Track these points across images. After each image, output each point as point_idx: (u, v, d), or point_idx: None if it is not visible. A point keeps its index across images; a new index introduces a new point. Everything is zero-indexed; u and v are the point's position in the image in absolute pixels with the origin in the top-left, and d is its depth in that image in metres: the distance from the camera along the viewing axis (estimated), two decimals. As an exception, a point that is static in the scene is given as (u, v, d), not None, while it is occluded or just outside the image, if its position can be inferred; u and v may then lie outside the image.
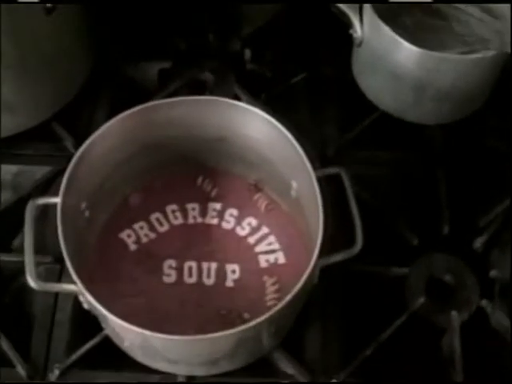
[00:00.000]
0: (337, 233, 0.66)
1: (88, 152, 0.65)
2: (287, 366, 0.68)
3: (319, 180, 0.65)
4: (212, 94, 0.82)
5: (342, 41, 0.80)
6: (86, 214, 0.69)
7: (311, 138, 0.79)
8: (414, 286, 0.73)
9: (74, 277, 0.60)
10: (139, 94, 0.83)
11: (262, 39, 0.87)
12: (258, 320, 0.58)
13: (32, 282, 0.61)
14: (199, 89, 0.83)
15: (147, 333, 0.58)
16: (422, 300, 0.71)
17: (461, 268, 0.74)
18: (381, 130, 0.80)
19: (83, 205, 0.68)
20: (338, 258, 0.64)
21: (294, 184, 0.69)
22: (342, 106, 0.82)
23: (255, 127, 0.68)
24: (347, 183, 0.66)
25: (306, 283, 0.60)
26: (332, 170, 0.67)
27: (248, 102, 0.81)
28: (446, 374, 0.69)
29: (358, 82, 0.81)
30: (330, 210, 0.64)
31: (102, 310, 0.59)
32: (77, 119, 0.81)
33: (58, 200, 0.64)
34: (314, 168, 0.65)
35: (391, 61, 0.75)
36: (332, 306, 0.71)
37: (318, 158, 0.78)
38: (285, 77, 0.85)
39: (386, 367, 0.69)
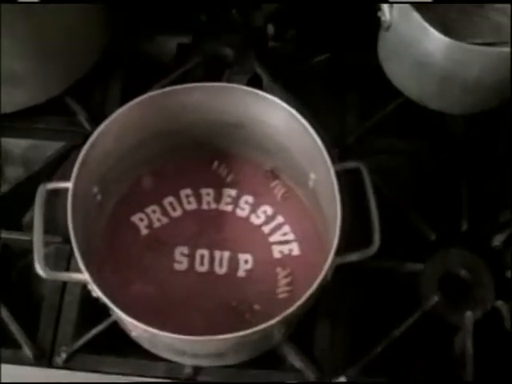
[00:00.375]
0: (353, 229, 0.65)
1: (101, 137, 0.64)
2: (295, 360, 0.68)
3: (338, 174, 0.63)
4: (232, 71, 0.80)
5: (369, 22, 0.76)
6: (98, 198, 0.67)
7: (330, 124, 0.77)
8: (428, 282, 0.71)
9: (82, 268, 0.59)
10: (155, 69, 0.81)
11: (286, 16, 0.84)
12: (270, 323, 0.57)
13: (40, 270, 0.60)
14: (218, 66, 0.80)
15: (154, 331, 0.57)
16: (436, 298, 0.69)
17: (477, 265, 0.72)
18: (402, 119, 0.78)
19: (95, 189, 0.66)
20: (353, 257, 0.62)
21: (312, 175, 0.67)
22: (364, 90, 0.79)
23: (274, 116, 0.66)
24: (367, 179, 0.64)
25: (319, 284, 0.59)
26: (351, 165, 0.65)
27: (267, 81, 0.80)
28: (456, 373, 0.68)
29: (383, 67, 0.78)
30: (347, 207, 0.62)
31: (109, 304, 0.58)
32: (91, 94, 0.79)
33: (69, 185, 0.62)
34: (333, 161, 0.63)
35: (419, 48, 0.71)
36: (343, 300, 0.70)
37: (337, 146, 0.76)
38: (307, 56, 0.82)
39: (395, 365, 0.68)
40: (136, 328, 0.61)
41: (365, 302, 0.70)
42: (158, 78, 0.78)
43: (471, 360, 0.68)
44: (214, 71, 0.80)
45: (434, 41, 0.70)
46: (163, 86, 0.77)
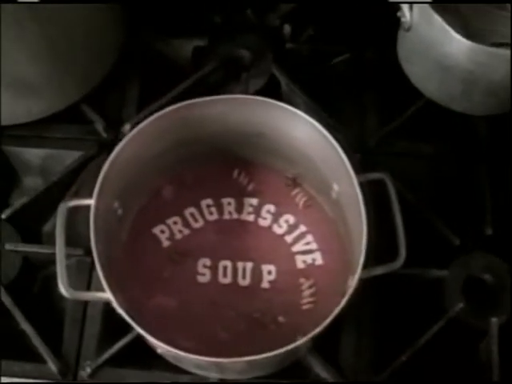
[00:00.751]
0: (377, 239, 0.64)
1: (121, 153, 0.63)
2: (320, 370, 0.67)
3: (361, 185, 0.62)
4: (249, 74, 0.78)
5: (389, 20, 0.74)
6: (119, 212, 0.66)
7: (350, 127, 0.76)
8: (452, 287, 0.70)
9: (106, 287, 0.58)
10: (172, 73, 0.80)
11: (303, 15, 0.82)
12: (298, 343, 0.57)
13: (64, 292, 0.59)
14: (235, 69, 0.79)
15: (179, 352, 0.57)
16: (460, 305, 0.69)
17: (501, 269, 0.71)
18: (423, 121, 0.76)
19: (116, 204, 0.66)
20: (379, 271, 0.61)
21: (335, 186, 0.66)
22: (385, 91, 0.78)
23: (295, 127, 0.65)
24: (392, 190, 0.63)
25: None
26: (376, 176, 0.64)
27: (285, 83, 0.79)
28: (483, 379, 0.68)
29: (403, 68, 0.77)
30: (372, 220, 0.61)
31: (132, 324, 0.58)
32: (107, 100, 0.78)
33: (91, 202, 0.62)
34: (357, 172, 0.63)
35: (440, 51, 0.70)
36: (367, 309, 0.69)
37: (358, 150, 0.75)
38: (325, 57, 0.81)
39: (421, 373, 0.68)
40: (160, 347, 0.60)
41: (389, 310, 0.70)
42: (175, 82, 0.77)
43: (497, 366, 0.67)
44: (231, 74, 0.79)
45: (457, 44, 0.68)
46: (181, 92, 0.78)
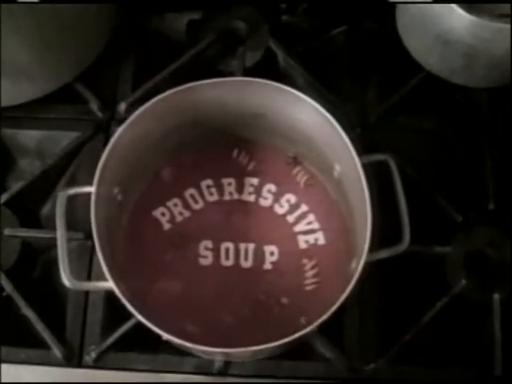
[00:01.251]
0: (381, 221, 0.63)
1: (120, 140, 0.61)
2: (325, 350, 0.67)
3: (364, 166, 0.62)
4: (245, 46, 0.77)
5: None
6: (119, 197, 0.65)
7: (350, 101, 0.75)
8: (455, 264, 0.70)
9: (108, 276, 0.58)
10: (167, 48, 0.78)
11: (298, -14, 0.80)
12: (306, 330, 0.56)
13: (67, 282, 0.59)
14: (232, 43, 0.77)
15: (185, 343, 0.56)
16: (463, 282, 0.69)
17: (503, 242, 0.71)
18: (424, 95, 0.75)
19: (116, 190, 0.65)
20: (383, 254, 0.61)
21: (337, 167, 0.66)
22: (385, 64, 0.76)
23: (297, 109, 0.64)
24: (395, 172, 0.63)
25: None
26: (378, 157, 0.63)
27: (282, 57, 0.77)
28: (486, 354, 0.68)
29: (403, 39, 0.75)
30: (376, 203, 0.61)
31: (136, 314, 0.57)
32: (101, 79, 0.76)
33: (91, 189, 0.61)
34: (359, 153, 0.62)
35: (442, 25, 0.69)
36: (371, 289, 0.69)
37: (358, 125, 0.74)
38: (323, 30, 0.79)
39: (425, 351, 0.69)
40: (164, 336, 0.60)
41: (392, 288, 0.70)
42: (171, 58, 0.76)
43: (499, 342, 0.68)
44: (227, 48, 0.77)
45: (459, 18, 0.67)
46: (177, 68, 0.76)
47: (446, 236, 0.71)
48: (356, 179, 0.61)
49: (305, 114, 0.64)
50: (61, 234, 0.60)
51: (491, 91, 0.75)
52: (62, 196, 0.61)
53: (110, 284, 0.58)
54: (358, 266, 0.58)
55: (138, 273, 0.67)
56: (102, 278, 0.59)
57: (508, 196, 0.72)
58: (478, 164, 0.73)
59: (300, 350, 0.69)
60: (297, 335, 0.56)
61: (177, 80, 0.75)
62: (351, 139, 0.61)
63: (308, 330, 0.57)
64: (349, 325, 0.68)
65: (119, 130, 0.61)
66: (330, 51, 0.79)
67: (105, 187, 0.62)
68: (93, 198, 0.60)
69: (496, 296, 0.69)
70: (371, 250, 0.59)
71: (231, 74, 0.76)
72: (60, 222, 0.61)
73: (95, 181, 0.60)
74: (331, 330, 0.68)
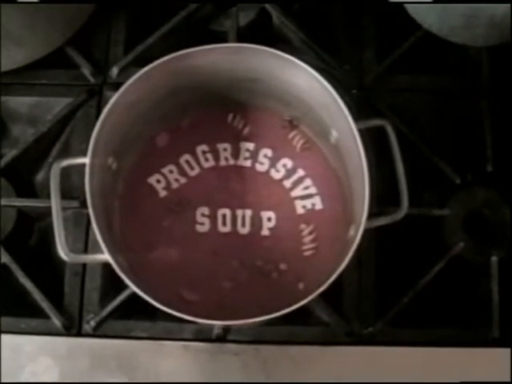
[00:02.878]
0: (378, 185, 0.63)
1: (113, 109, 0.60)
2: (323, 314, 0.67)
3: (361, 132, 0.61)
4: (238, 6, 0.75)
5: None
6: (113, 167, 0.65)
7: (347, 62, 0.74)
8: (453, 226, 0.70)
9: (105, 250, 0.58)
10: (158, 8, 0.76)
11: None
12: (308, 299, 0.57)
13: (64, 256, 0.58)
14: (224, 2, 0.75)
15: (184, 316, 0.56)
16: (461, 244, 0.69)
17: (501, 203, 0.71)
18: (422, 54, 0.74)
19: (110, 159, 0.64)
20: (381, 222, 0.61)
21: (334, 132, 0.65)
22: (382, 23, 0.75)
23: (293, 75, 0.63)
24: (393, 138, 0.62)
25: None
26: (376, 122, 0.62)
27: (277, 16, 0.75)
28: (484, 318, 0.69)
29: (401, -1, 0.74)
30: (373, 168, 0.60)
31: (133, 287, 0.57)
32: (93, 42, 0.74)
33: (85, 160, 0.60)
34: (355, 118, 0.61)
35: (441, -17, 0.68)
36: (368, 252, 0.69)
37: (355, 86, 0.73)
38: (318, -13, 0.77)
39: (422, 314, 0.69)
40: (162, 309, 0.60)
41: (390, 251, 0.70)
42: (163, 19, 0.74)
43: (497, 305, 0.68)
44: (220, 8, 0.75)
45: (458, -24, 0.66)
46: (169, 29, 0.74)
47: (444, 198, 0.71)
48: (353, 145, 0.60)
49: (300, 79, 0.63)
50: (56, 207, 0.60)
51: (491, 49, 0.73)
52: (55, 168, 0.61)
53: (106, 256, 0.58)
54: (357, 233, 0.58)
55: (134, 241, 0.67)
56: (99, 248, 0.59)
57: (507, 157, 0.71)
58: (477, 124, 0.72)
59: (298, 314, 0.69)
60: (296, 306, 0.56)
61: (169, 41, 0.75)
62: (347, 104, 0.60)
63: (308, 300, 0.57)
64: (347, 289, 0.68)
65: (112, 100, 0.60)
66: (326, 9, 0.77)
67: (99, 158, 0.61)
68: (87, 169, 0.59)
69: (494, 258, 0.69)
70: (369, 216, 0.59)
71: (224, 34, 0.75)
72: (54, 195, 0.60)
73: (89, 152, 0.60)
74: (329, 293, 0.69)
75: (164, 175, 0.70)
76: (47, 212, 0.64)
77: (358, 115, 0.62)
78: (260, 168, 0.70)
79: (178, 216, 0.69)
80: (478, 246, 0.69)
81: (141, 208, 0.68)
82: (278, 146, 0.70)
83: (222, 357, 0.67)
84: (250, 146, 0.70)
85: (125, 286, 0.67)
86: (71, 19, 0.72)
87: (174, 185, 0.70)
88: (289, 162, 0.70)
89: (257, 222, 0.69)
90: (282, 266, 0.67)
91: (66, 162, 0.61)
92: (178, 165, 0.70)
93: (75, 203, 0.69)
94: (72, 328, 0.68)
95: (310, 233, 0.68)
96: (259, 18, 0.75)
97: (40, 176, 0.74)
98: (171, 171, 0.70)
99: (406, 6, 0.73)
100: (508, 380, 0.64)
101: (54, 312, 0.67)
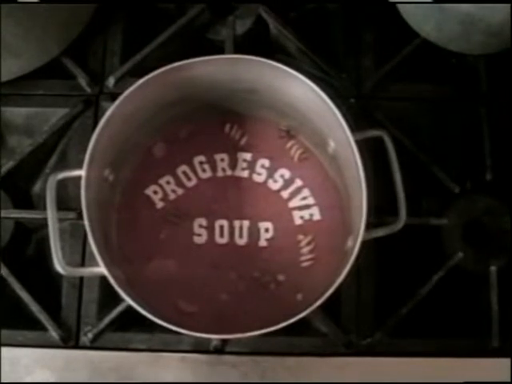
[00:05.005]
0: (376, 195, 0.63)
1: (109, 122, 0.60)
2: (322, 325, 0.67)
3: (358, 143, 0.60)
4: (235, 15, 0.74)
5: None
6: (110, 178, 0.65)
7: (344, 70, 0.73)
8: (452, 235, 0.69)
9: (101, 264, 0.58)
10: (155, 17, 0.76)
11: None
12: (308, 310, 0.56)
13: (60, 269, 0.58)
14: (222, 11, 0.75)
15: (182, 330, 0.56)
16: (460, 254, 0.69)
17: (501, 212, 0.70)
18: (420, 62, 0.73)
19: (107, 171, 0.64)
20: (379, 233, 0.61)
21: (332, 143, 0.64)
22: (380, 30, 0.74)
23: (290, 86, 0.62)
24: (391, 148, 0.62)
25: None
26: (373, 133, 0.62)
27: (274, 25, 0.75)
28: (483, 328, 0.68)
29: (399, 7, 0.73)
30: (371, 179, 0.60)
31: (130, 301, 0.57)
32: (89, 52, 0.74)
33: (81, 173, 0.60)
34: (353, 130, 0.60)
35: (438, -9, 0.67)
36: (367, 261, 0.68)
37: (353, 96, 0.73)
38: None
39: (421, 324, 0.69)
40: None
41: (389, 261, 0.69)
42: (160, 28, 0.74)
43: (497, 314, 0.68)
44: (218, 16, 0.75)
45: (455, -16, 0.66)
46: (166, 39, 0.74)
47: (443, 207, 0.70)
48: (350, 156, 0.60)
49: (297, 90, 0.62)
50: (52, 221, 0.59)
51: (489, 57, 0.73)
52: (51, 180, 0.60)
53: (102, 270, 0.58)
54: (355, 244, 0.58)
55: (132, 252, 0.67)
56: (96, 260, 0.58)
57: (506, 165, 0.71)
58: (476, 132, 0.71)
59: (296, 325, 0.69)
60: (295, 318, 0.56)
61: (166, 50, 0.74)
62: (344, 115, 0.60)
63: (306, 312, 0.56)
64: (345, 299, 0.68)
65: (108, 111, 0.60)
66: (323, 18, 0.77)
67: (95, 170, 0.61)
68: (83, 182, 0.59)
69: (493, 268, 0.68)
70: (368, 227, 0.59)
71: (221, 43, 0.74)
72: (51, 208, 0.60)
73: (85, 165, 0.59)
74: (328, 304, 0.69)
75: (161, 186, 0.69)
76: (44, 223, 0.63)
77: (355, 124, 0.62)
78: (257, 178, 0.70)
79: (176, 227, 0.68)
80: (477, 256, 0.69)
81: (138, 219, 0.68)
82: (275, 156, 0.70)
83: (221, 368, 0.67)
84: (248, 156, 0.70)
85: (122, 298, 0.67)
86: (67, 29, 0.71)
87: (172, 196, 0.69)
88: (286, 173, 0.70)
89: (254, 233, 0.68)
90: (280, 277, 0.67)
91: (62, 175, 0.61)
92: (175, 176, 0.70)
93: (72, 214, 0.68)
94: (70, 340, 0.67)
95: (308, 243, 0.68)
96: (256, 26, 0.75)
97: (37, 187, 0.74)
98: (168, 182, 0.70)
99: (404, 14, 0.73)
100: (508, 391, 0.64)
101: (51, 324, 0.67)
